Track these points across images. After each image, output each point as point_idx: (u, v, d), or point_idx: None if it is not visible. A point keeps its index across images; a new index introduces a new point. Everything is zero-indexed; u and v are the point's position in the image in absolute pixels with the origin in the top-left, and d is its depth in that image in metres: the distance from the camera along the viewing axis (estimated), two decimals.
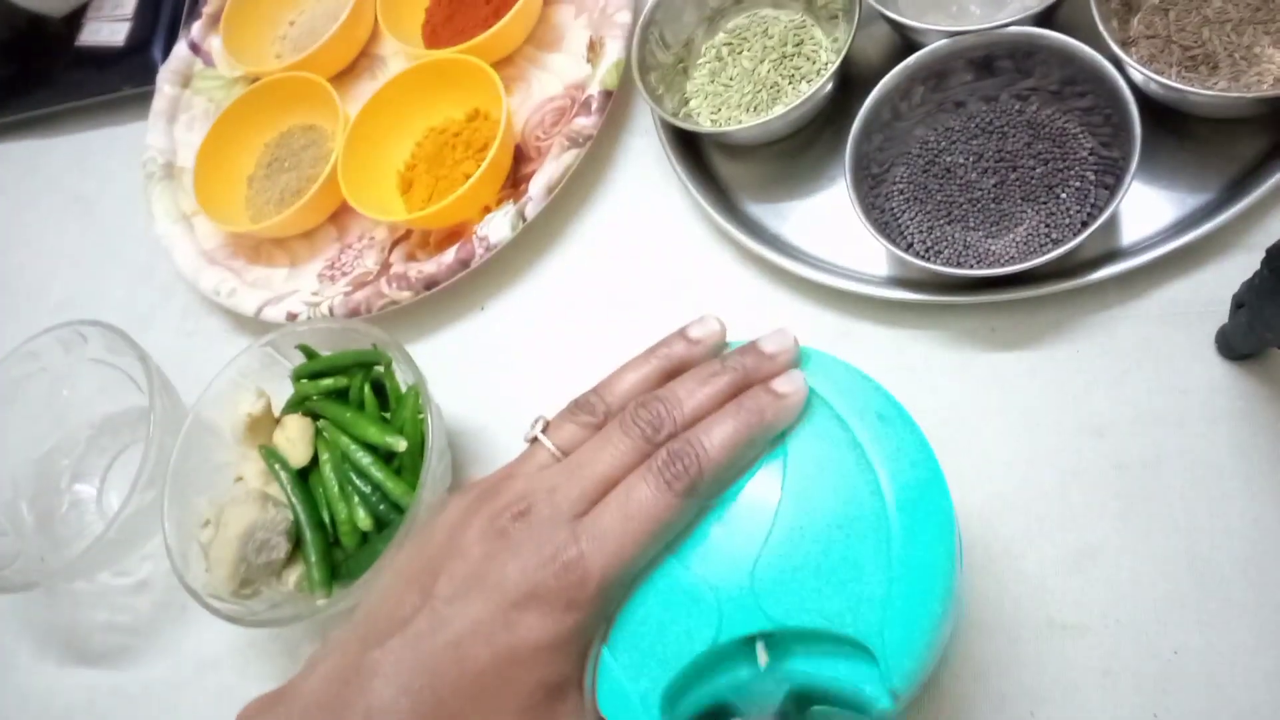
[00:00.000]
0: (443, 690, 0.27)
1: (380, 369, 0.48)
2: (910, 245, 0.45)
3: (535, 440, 0.32)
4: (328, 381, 0.49)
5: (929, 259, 0.44)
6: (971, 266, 0.43)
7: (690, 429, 0.29)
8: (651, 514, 0.28)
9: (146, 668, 0.53)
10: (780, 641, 0.28)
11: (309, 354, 0.51)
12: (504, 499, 0.30)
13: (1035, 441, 0.42)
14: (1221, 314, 0.41)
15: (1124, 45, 0.43)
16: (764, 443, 0.29)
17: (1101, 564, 0.39)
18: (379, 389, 0.49)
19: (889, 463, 0.29)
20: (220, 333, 0.63)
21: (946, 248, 0.44)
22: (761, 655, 0.28)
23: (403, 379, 0.48)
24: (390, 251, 0.60)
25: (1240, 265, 0.42)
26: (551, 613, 0.27)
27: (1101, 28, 0.42)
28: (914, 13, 0.47)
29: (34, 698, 0.55)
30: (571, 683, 0.28)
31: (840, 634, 0.28)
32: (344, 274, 0.60)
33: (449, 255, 0.54)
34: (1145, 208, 0.43)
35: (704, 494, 0.28)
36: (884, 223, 0.45)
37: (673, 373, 0.32)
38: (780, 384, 0.30)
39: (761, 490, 0.29)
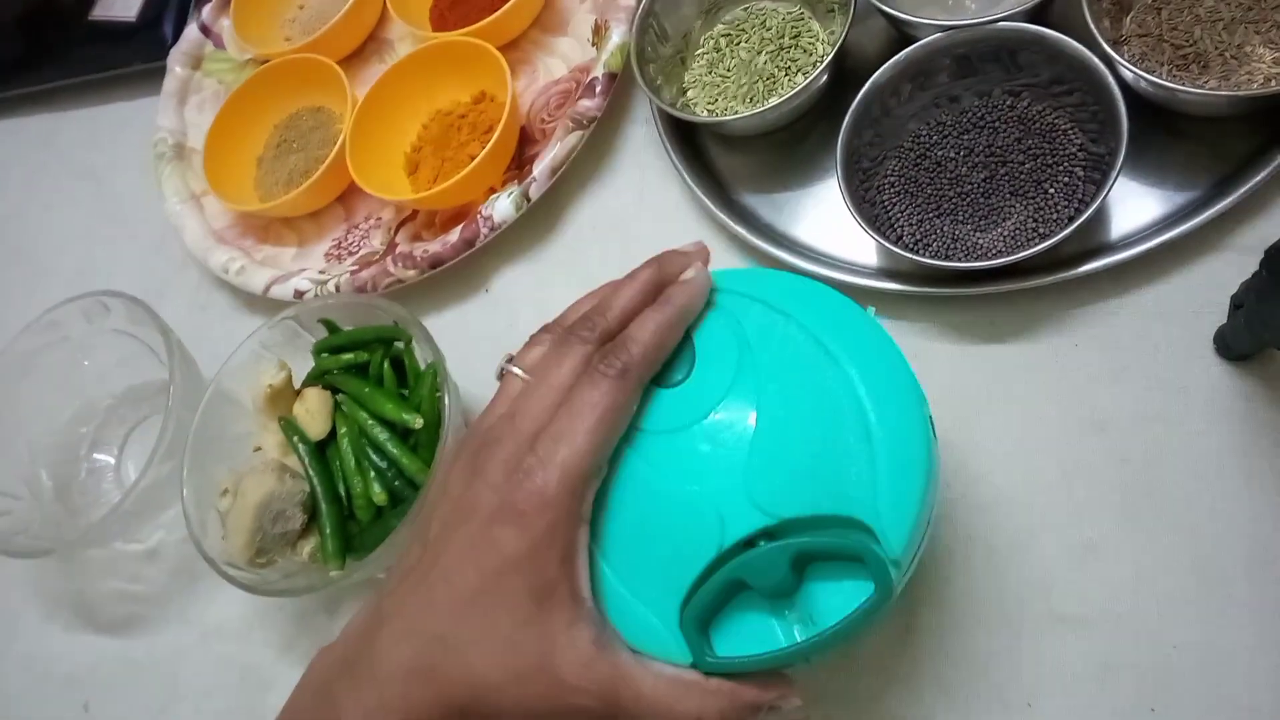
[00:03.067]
0: (440, 624, 0.29)
1: (400, 345, 0.50)
2: (900, 238, 0.46)
3: (505, 372, 0.34)
4: (348, 356, 0.50)
5: (918, 252, 0.45)
6: (960, 260, 0.44)
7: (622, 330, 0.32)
8: (592, 402, 0.30)
9: (152, 635, 0.55)
10: (780, 537, 0.30)
11: (331, 328, 0.52)
12: (478, 436, 0.32)
13: (1037, 435, 0.42)
14: (1217, 313, 0.41)
15: (1116, 44, 0.44)
16: (684, 326, 0.33)
17: (1103, 558, 0.39)
18: (398, 366, 0.50)
19: (851, 351, 0.32)
20: (232, 307, 0.64)
21: (935, 241, 0.45)
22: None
23: (421, 357, 0.49)
24: (396, 231, 0.61)
25: (1233, 265, 0.42)
26: (523, 519, 0.29)
27: (1093, 27, 0.43)
28: (910, 6, 0.48)
29: (38, 663, 0.56)
30: (559, 588, 0.29)
31: (836, 515, 0.30)
32: (350, 253, 0.62)
33: (454, 235, 0.55)
34: (1134, 204, 0.44)
35: (639, 376, 0.31)
36: (874, 216, 0.46)
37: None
38: (684, 274, 0.34)
39: (740, 402, 0.31)
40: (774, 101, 0.49)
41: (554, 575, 0.29)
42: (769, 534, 0.30)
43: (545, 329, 0.35)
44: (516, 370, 0.33)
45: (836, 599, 0.30)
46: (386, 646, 0.30)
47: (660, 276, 0.34)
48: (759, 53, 0.54)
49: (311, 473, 0.48)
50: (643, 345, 0.31)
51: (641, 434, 0.31)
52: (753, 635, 0.30)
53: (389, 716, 0.29)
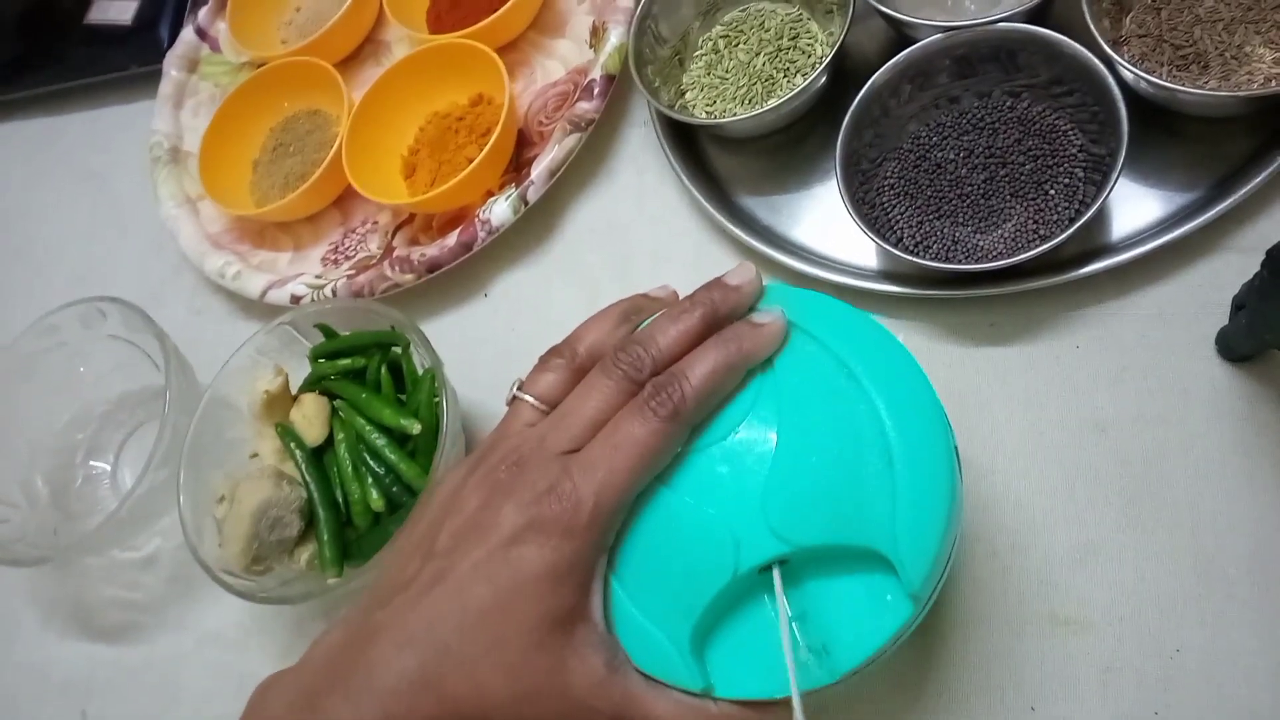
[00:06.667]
0: (447, 637, 0.28)
1: (397, 350, 0.49)
2: (900, 240, 0.46)
3: (515, 399, 0.33)
4: (345, 361, 0.50)
5: (918, 254, 0.44)
6: (960, 262, 0.44)
7: (673, 365, 0.30)
8: (639, 439, 0.29)
9: (149, 642, 0.54)
10: (797, 565, 0.30)
11: (328, 333, 0.52)
12: (496, 456, 0.31)
13: (1039, 436, 0.42)
14: (1217, 314, 0.41)
15: (1115, 44, 0.44)
16: (744, 371, 0.31)
17: (1105, 560, 0.39)
18: (396, 371, 0.50)
19: (876, 375, 0.31)
20: (228, 312, 0.64)
21: (935, 243, 0.45)
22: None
23: (419, 362, 0.49)
24: (393, 235, 0.61)
25: (1233, 266, 0.42)
26: (548, 542, 0.28)
27: (1092, 27, 0.43)
28: (908, 7, 0.48)
29: (36, 670, 0.56)
30: (577, 615, 0.29)
31: (854, 545, 0.29)
32: (347, 258, 0.61)
33: (451, 239, 0.55)
34: (1135, 205, 0.44)
35: (689, 419, 0.30)
36: (874, 218, 0.46)
37: (633, 321, 0.34)
38: (758, 316, 0.32)
39: (760, 424, 0.30)
40: (773, 103, 0.48)
41: (570, 602, 0.29)
42: (783, 562, 0.29)
43: (555, 353, 0.33)
44: (528, 397, 0.32)
45: (848, 624, 0.30)
46: (385, 657, 0.28)
47: (713, 314, 0.32)
48: (757, 54, 0.53)
49: (309, 479, 0.47)
50: (696, 389, 0.29)
51: None
52: (763, 660, 0.29)
53: None
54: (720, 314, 0.32)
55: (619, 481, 0.28)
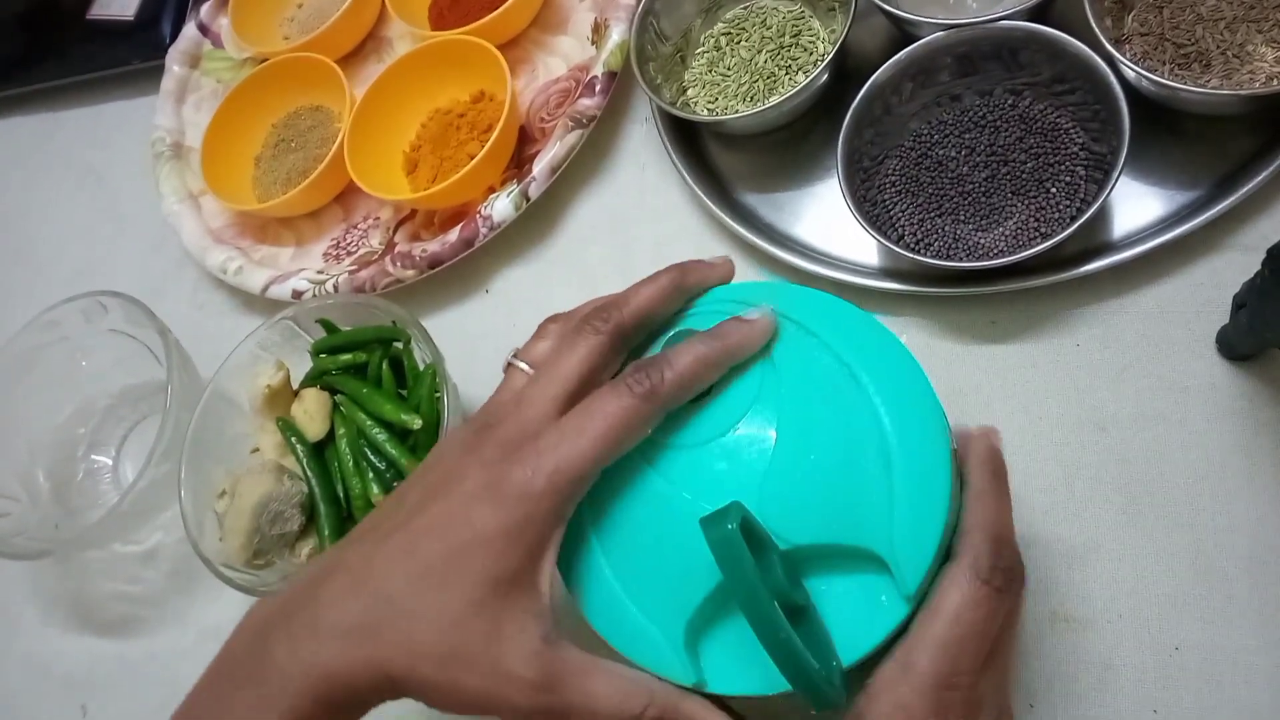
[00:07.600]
0: (392, 586, 0.29)
1: (399, 346, 0.49)
2: (901, 238, 0.46)
3: (509, 365, 0.34)
4: (346, 357, 0.50)
5: (919, 251, 0.44)
6: (961, 259, 0.44)
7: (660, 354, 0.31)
8: (610, 412, 0.29)
9: (150, 636, 0.55)
10: (793, 563, 0.30)
11: (329, 328, 0.52)
12: (480, 419, 0.32)
13: (1038, 434, 0.42)
14: (1218, 313, 0.41)
15: (1117, 42, 0.44)
16: (729, 365, 0.31)
17: (1105, 558, 0.39)
18: (397, 366, 0.50)
19: (876, 375, 0.31)
20: (229, 307, 0.64)
21: (937, 240, 0.45)
22: None
23: (420, 357, 0.49)
24: (395, 231, 0.61)
25: (1235, 264, 0.42)
26: (503, 503, 0.28)
27: (1094, 25, 0.43)
28: (911, 4, 0.48)
29: (36, 664, 0.56)
30: (523, 581, 0.29)
31: (851, 545, 0.29)
32: (349, 253, 0.62)
33: (453, 235, 0.55)
34: (1136, 203, 0.44)
35: (664, 401, 0.30)
36: (875, 215, 0.46)
37: None
38: (747, 313, 0.32)
39: (759, 422, 0.30)
40: (774, 100, 0.49)
41: (517, 566, 0.29)
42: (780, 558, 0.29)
43: (552, 319, 0.34)
44: (521, 364, 0.33)
45: (843, 624, 0.29)
46: (333, 599, 0.29)
47: (683, 283, 0.33)
48: (759, 51, 0.54)
49: (309, 474, 0.48)
50: (677, 373, 0.30)
51: (657, 446, 0.31)
52: (757, 657, 0.29)
53: (320, 672, 0.28)
54: (690, 288, 0.34)
55: (582, 451, 0.29)
